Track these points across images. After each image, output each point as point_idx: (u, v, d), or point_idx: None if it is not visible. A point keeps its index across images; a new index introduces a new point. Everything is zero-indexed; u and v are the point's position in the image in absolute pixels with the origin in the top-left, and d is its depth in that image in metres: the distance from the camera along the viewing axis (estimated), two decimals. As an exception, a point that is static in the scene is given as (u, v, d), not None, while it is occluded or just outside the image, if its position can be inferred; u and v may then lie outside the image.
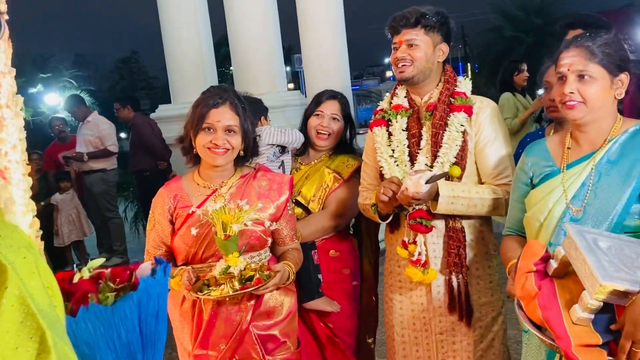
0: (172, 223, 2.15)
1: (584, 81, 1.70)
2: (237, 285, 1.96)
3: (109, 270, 1.15)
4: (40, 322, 0.69)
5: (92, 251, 6.68)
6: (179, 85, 5.78)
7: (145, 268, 1.16)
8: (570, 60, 1.73)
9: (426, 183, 2.04)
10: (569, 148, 1.83)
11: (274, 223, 2.14)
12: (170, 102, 6.00)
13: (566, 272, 1.57)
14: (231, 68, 6.19)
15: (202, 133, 2.05)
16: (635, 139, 1.71)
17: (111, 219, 6.52)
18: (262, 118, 2.79)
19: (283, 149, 2.70)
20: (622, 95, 1.74)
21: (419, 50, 2.21)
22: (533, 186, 1.88)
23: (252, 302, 2.10)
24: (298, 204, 2.59)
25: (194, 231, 2.05)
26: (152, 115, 6.29)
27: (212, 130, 2.04)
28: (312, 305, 2.52)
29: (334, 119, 2.67)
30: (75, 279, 1.13)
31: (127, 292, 1.08)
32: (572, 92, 1.71)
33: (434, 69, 2.27)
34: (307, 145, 2.75)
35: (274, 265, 2.10)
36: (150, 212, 2.20)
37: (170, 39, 5.76)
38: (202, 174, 2.16)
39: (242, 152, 2.13)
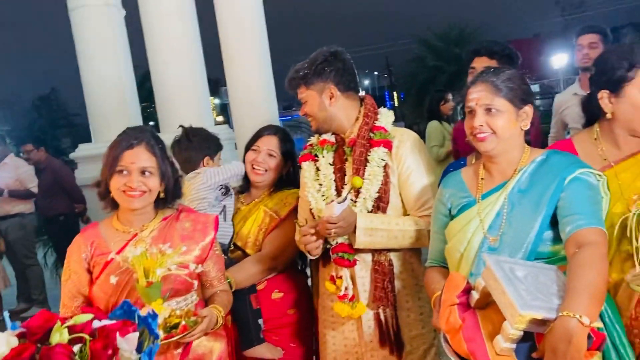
0: (90, 272, 2.04)
1: (492, 114, 1.79)
2: (161, 334, 1.87)
3: (89, 338, 1.06)
4: None
5: (10, 300, 6.27)
6: (99, 123, 5.57)
7: None
8: (478, 95, 1.81)
9: (339, 204, 2.07)
10: (482, 179, 1.89)
11: (200, 266, 2.06)
12: (92, 141, 5.79)
13: (487, 302, 1.60)
14: (154, 105, 6.06)
15: (116, 176, 1.97)
16: (543, 168, 1.79)
17: (29, 267, 6.15)
18: (207, 158, 2.67)
19: (227, 190, 2.62)
20: (528, 127, 1.83)
21: (308, 105, 2.31)
22: (452, 217, 1.92)
23: (179, 350, 2.01)
24: (236, 247, 2.53)
25: (113, 279, 1.94)
26: (72, 155, 6.01)
27: (126, 172, 1.96)
28: (251, 352, 2.44)
29: (271, 155, 2.61)
30: (54, 339, 1.06)
31: None
32: (481, 125, 1.79)
33: (335, 111, 2.31)
34: (249, 181, 2.68)
35: (200, 310, 2.03)
36: (66, 261, 2.08)
37: (89, 75, 5.56)
38: (121, 219, 2.07)
39: (162, 194, 2.05)
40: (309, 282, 2.70)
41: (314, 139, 2.43)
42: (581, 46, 3.52)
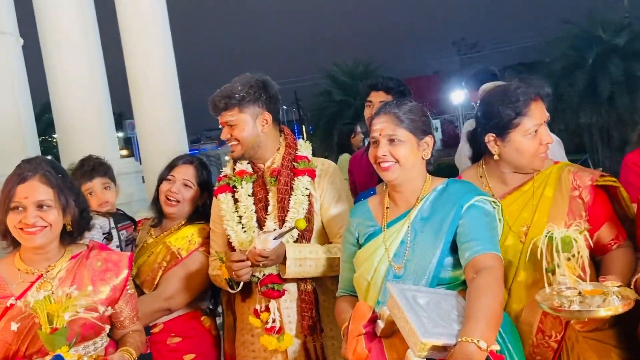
0: None
1: (394, 144, 1.88)
2: None
3: None
4: None
5: None
6: (-7, 157, 5.25)
7: None
8: (381, 125, 1.90)
9: (274, 239, 2.06)
10: (387, 208, 1.97)
11: (109, 308, 1.94)
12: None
13: (393, 330, 1.65)
14: (55, 136, 5.79)
15: (11, 213, 1.84)
16: (443, 196, 1.89)
17: None
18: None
19: (110, 236, 2.50)
20: (429, 156, 1.94)
21: (239, 129, 2.26)
22: (360, 246, 1.98)
23: None
24: (134, 284, 2.39)
25: (14, 326, 1.78)
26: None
27: (21, 208, 1.84)
28: None
29: (186, 185, 2.52)
30: None
31: None
32: (385, 155, 1.88)
33: (264, 139, 2.31)
34: (162, 213, 2.56)
35: (111, 356, 1.89)
36: None
37: (-18, 107, 5.26)
38: (24, 258, 1.92)
39: (68, 227, 1.93)
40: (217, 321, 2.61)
41: (228, 171, 2.40)
42: None
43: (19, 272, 1.91)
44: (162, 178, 2.57)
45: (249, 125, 2.27)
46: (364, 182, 2.83)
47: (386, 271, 1.85)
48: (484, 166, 2.09)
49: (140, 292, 2.41)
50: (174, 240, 2.48)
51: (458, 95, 23.70)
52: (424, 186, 1.93)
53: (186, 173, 2.54)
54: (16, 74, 5.39)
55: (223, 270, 2.22)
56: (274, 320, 2.19)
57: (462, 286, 1.79)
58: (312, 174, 2.29)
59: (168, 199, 2.50)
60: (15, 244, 1.93)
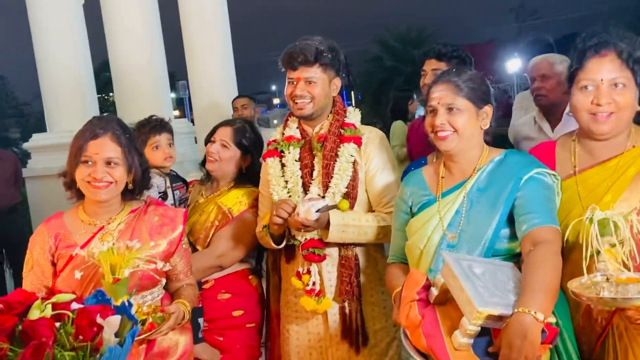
0: (54, 264, 1.99)
1: (453, 113, 1.85)
2: None
3: (72, 316, 1.03)
4: None
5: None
6: (55, 113, 5.42)
7: None
8: (440, 94, 1.87)
9: (317, 211, 2.08)
10: (443, 177, 1.95)
11: (167, 264, 2.03)
12: (46, 131, 5.62)
13: (446, 298, 1.65)
14: (112, 94, 5.93)
15: (80, 166, 1.93)
16: (501, 168, 1.86)
17: None
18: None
19: (165, 195, 2.60)
20: (487, 126, 1.90)
21: (317, 87, 2.26)
22: (412, 215, 1.97)
23: (144, 345, 1.99)
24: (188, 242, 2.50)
25: (77, 274, 1.90)
26: (25, 145, 5.82)
27: (91, 163, 1.93)
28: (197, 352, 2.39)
29: (223, 145, 2.59)
30: (34, 315, 1.02)
31: (86, 352, 0.98)
32: (442, 124, 1.85)
33: (330, 103, 2.34)
34: (209, 173, 2.67)
35: (167, 307, 1.99)
36: (28, 251, 2.02)
37: (44, 63, 5.40)
38: (87, 210, 2.02)
39: (130, 185, 2.02)
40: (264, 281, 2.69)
41: (277, 135, 2.43)
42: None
43: (82, 224, 2.01)
44: (207, 140, 2.68)
45: (326, 85, 2.28)
46: (421, 151, 2.79)
47: (439, 240, 1.84)
48: (577, 132, 1.96)
49: (193, 249, 2.49)
50: (225, 200, 2.56)
51: (514, 64, 22.99)
52: (481, 156, 1.90)
53: (224, 134, 2.62)
54: (77, 32, 5.50)
55: (265, 217, 2.27)
56: (314, 283, 2.23)
57: (516, 258, 1.77)
58: (358, 142, 2.29)
59: (208, 157, 2.61)
60: (80, 196, 2.02)
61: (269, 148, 2.43)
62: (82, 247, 1.95)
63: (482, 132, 1.91)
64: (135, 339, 1.80)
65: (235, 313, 2.52)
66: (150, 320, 1.88)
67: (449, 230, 1.84)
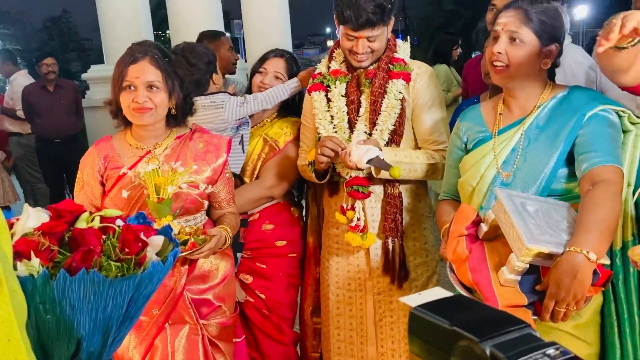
0: (103, 184, 2.06)
1: (514, 44, 1.72)
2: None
3: (118, 230, 1.06)
4: None
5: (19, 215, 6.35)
6: (112, 46, 5.54)
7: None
8: (506, 20, 1.73)
9: (367, 163, 2.04)
10: (501, 114, 1.86)
11: (210, 186, 2.08)
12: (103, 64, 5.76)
13: (496, 235, 1.62)
14: (168, 32, 5.97)
15: (124, 92, 1.94)
16: (563, 105, 1.75)
17: (35, 185, 6.15)
18: (215, 76, 2.55)
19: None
20: (549, 66, 1.77)
21: (378, 41, 2.18)
22: (467, 151, 1.91)
23: (186, 266, 2.06)
24: (233, 174, 2.52)
25: (124, 193, 1.96)
26: (84, 76, 6.03)
27: (133, 88, 1.93)
28: None
29: (277, 77, 2.57)
30: (81, 225, 1.06)
31: (130, 265, 1.01)
32: (500, 52, 1.73)
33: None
34: None
35: (209, 229, 2.06)
36: (79, 172, 2.09)
37: (103, -2, 5.50)
38: (134, 134, 2.06)
39: (173, 111, 2.03)
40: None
41: (323, 69, 2.36)
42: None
43: (130, 147, 2.05)
44: (254, 71, 2.64)
45: (385, 36, 2.20)
46: (477, 90, 2.70)
47: (493, 178, 1.78)
48: None
49: (241, 181, 2.54)
50: (270, 132, 2.56)
51: (580, 11, 21.77)
52: (543, 93, 1.79)
53: (277, 65, 2.59)
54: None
55: (311, 154, 2.26)
56: (358, 219, 2.23)
57: (574, 200, 1.69)
58: (407, 78, 2.21)
59: (261, 89, 2.55)
60: (126, 123, 2.06)
61: (314, 81, 2.37)
62: (130, 168, 2.00)
63: (543, 71, 1.79)
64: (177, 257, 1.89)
65: (279, 243, 2.57)
66: (192, 240, 1.93)
67: (504, 168, 1.77)
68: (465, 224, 1.65)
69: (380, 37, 2.17)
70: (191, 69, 2.47)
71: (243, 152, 2.53)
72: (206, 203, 2.12)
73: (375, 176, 2.16)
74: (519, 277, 1.52)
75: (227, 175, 2.18)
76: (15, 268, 0.94)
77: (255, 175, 2.54)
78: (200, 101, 2.37)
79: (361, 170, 2.13)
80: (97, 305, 0.98)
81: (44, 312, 0.96)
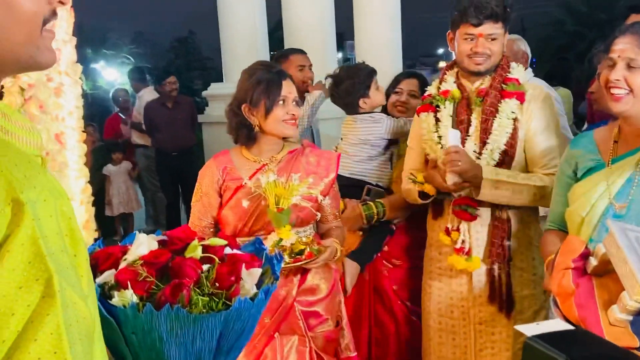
0: (220, 195, 2.17)
1: (634, 71, 1.63)
2: (287, 258, 1.97)
3: (217, 262, 1.07)
4: (49, 265, 0.67)
5: (139, 221, 6.85)
6: (231, 65, 5.88)
7: None
8: (623, 46, 1.65)
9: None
10: (615, 142, 1.77)
11: (326, 197, 2.16)
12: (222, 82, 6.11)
13: (606, 270, 1.53)
14: (284, 52, 6.21)
15: (276, 107, 2.08)
16: None
17: (155, 193, 6.61)
18: (361, 100, 2.64)
19: (392, 141, 2.68)
20: None
21: (498, 44, 2.18)
22: (577, 180, 1.83)
23: (298, 276, 2.13)
24: (383, 188, 2.65)
25: (245, 203, 2.07)
26: (204, 93, 6.43)
27: (284, 102, 2.09)
28: (346, 263, 2.52)
29: (412, 95, 2.70)
30: (190, 252, 1.07)
31: (220, 299, 1.02)
32: (617, 80, 1.64)
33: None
34: None
35: (324, 240, 2.13)
36: (197, 183, 2.22)
37: (226, 18, 5.88)
38: (252, 150, 2.18)
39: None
40: None
41: (433, 90, 2.37)
42: None
43: (247, 161, 2.17)
44: (389, 93, 2.76)
45: (502, 42, 2.20)
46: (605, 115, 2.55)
47: (605, 209, 1.69)
48: None
49: (388, 192, 2.67)
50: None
51: None
52: None
53: (411, 84, 2.75)
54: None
55: (419, 176, 2.28)
56: (463, 242, 2.19)
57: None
58: (520, 97, 2.16)
59: (397, 107, 2.72)
60: (249, 139, 2.15)
61: (423, 102, 2.39)
62: (249, 178, 2.11)
63: None
64: (296, 264, 1.95)
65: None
66: (308, 250, 2.00)
67: (617, 199, 1.67)
68: (572, 256, 1.58)
69: (498, 40, 2.16)
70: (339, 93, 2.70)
71: (390, 168, 2.68)
72: (318, 215, 2.20)
73: (476, 197, 2.13)
74: (630, 317, 1.43)
75: (335, 189, 2.25)
76: (112, 297, 1.01)
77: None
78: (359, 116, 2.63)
79: (462, 162, 2.09)
80: (184, 340, 1.00)
81: (137, 342, 1.00)
